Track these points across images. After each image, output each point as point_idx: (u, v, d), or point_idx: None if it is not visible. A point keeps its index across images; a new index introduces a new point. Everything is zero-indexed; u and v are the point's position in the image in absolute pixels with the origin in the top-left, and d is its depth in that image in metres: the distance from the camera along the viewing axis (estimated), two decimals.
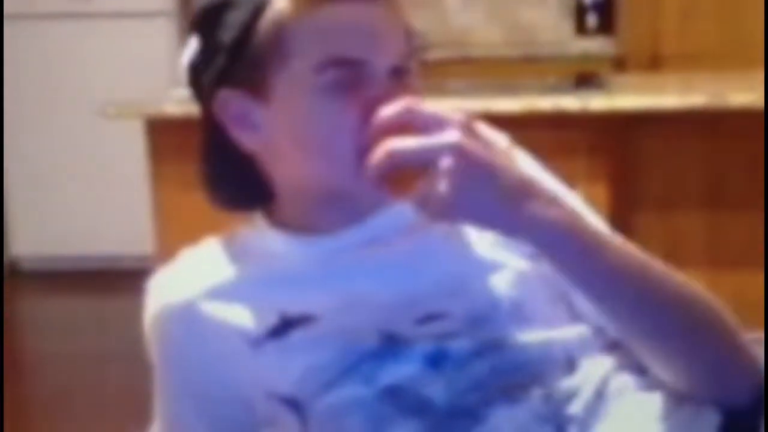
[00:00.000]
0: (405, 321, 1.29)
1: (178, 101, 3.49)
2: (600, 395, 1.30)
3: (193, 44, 1.35)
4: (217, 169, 1.39)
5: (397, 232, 1.34)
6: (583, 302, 1.36)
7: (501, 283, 1.33)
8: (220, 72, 1.32)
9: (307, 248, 1.34)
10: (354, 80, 1.27)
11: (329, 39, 1.27)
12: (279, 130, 1.31)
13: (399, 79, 1.29)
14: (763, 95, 3.24)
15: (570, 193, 1.43)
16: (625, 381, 1.33)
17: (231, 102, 1.32)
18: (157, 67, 5.21)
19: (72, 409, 3.91)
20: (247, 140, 1.33)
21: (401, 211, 1.32)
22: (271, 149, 1.33)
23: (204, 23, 1.33)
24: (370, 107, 1.25)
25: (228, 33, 1.30)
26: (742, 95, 3.33)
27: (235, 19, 1.30)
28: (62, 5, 5.36)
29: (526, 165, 1.43)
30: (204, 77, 1.34)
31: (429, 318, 1.29)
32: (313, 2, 1.27)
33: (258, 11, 1.28)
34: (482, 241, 1.35)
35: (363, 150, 1.24)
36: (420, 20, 5.28)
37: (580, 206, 1.43)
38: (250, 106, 1.31)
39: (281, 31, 1.28)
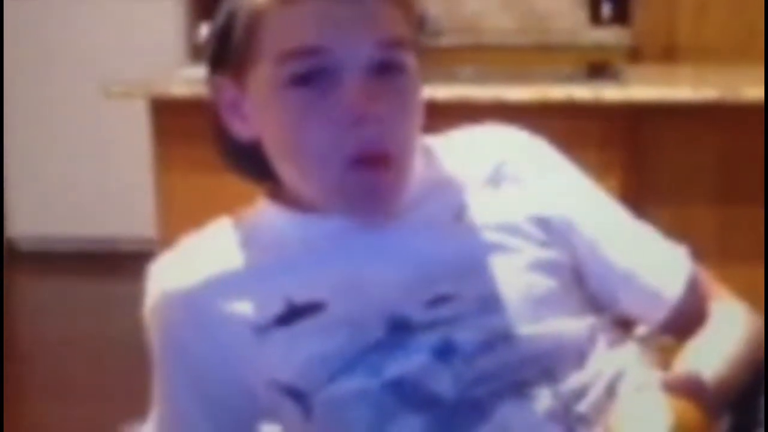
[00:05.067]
0: (414, 303, 1.27)
1: (185, 82, 3.48)
2: (611, 392, 1.28)
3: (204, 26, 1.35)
4: (228, 146, 1.37)
5: (405, 212, 1.32)
6: (602, 290, 1.37)
7: (512, 268, 1.30)
8: (213, 57, 1.33)
9: (314, 229, 1.32)
10: (318, 73, 1.24)
11: (293, 29, 1.25)
12: (258, 125, 1.31)
13: (383, 77, 1.25)
14: None
15: (588, 183, 1.42)
16: (640, 378, 1.31)
17: (222, 89, 1.33)
18: (163, 47, 5.19)
19: (70, 392, 3.91)
20: (238, 129, 1.33)
21: (408, 191, 1.31)
22: (262, 141, 1.32)
23: (211, 6, 1.33)
24: (342, 105, 1.23)
25: (219, 20, 1.31)
26: (756, 89, 3.35)
27: (225, 6, 1.30)
28: None
29: (546, 155, 1.42)
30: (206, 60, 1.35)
31: (439, 300, 1.27)
32: None
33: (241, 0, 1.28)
34: (492, 225, 1.33)
35: (338, 156, 1.24)
36: (432, 6, 5.27)
37: (597, 195, 1.42)
38: (238, 96, 1.31)
39: (254, 22, 1.27)
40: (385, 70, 1.25)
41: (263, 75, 1.27)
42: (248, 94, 1.30)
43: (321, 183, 1.27)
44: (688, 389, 1.20)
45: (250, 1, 1.27)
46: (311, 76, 1.24)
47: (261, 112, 1.29)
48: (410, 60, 1.28)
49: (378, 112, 1.24)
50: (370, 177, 1.26)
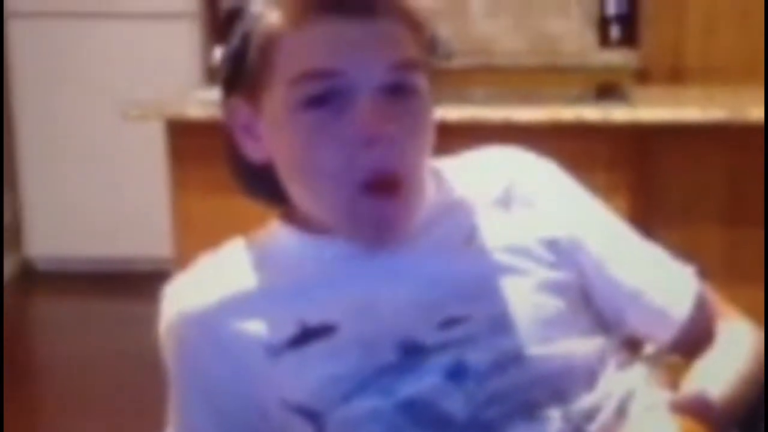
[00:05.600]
0: (426, 326, 1.27)
1: (201, 104, 3.50)
2: (621, 413, 1.29)
3: (218, 49, 1.36)
4: (240, 168, 1.38)
5: (416, 235, 1.33)
6: (609, 309, 1.37)
7: (521, 290, 1.31)
8: (228, 80, 1.33)
9: (326, 251, 1.33)
10: (332, 95, 1.24)
11: (306, 52, 1.25)
12: (271, 147, 1.31)
13: (395, 98, 1.26)
14: None
15: (596, 203, 1.43)
16: (648, 398, 1.32)
17: (236, 110, 1.33)
18: (179, 69, 5.20)
19: (86, 410, 3.90)
20: (252, 150, 1.34)
21: (420, 215, 1.32)
22: (274, 163, 1.33)
23: (225, 29, 1.34)
24: (354, 126, 1.24)
25: (233, 42, 1.31)
26: (764, 109, 3.32)
27: (239, 28, 1.31)
28: (86, 5, 5.35)
29: (553, 176, 1.43)
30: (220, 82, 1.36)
31: (450, 322, 1.27)
32: (300, 16, 1.26)
33: (255, 23, 1.29)
34: (502, 247, 1.33)
35: (350, 178, 1.25)
36: (444, 28, 5.28)
37: (605, 216, 1.43)
38: (251, 118, 1.32)
39: (268, 45, 1.27)
40: (397, 91, 1.26)
41: (277, 97, 1.27)
42: (262, 116, 1.30)
43: (332, 206, 1.28)
44: (695, 409, 1.22)
45: (264, 23, 1.28)
46: (325, 98, 1.24)
47: (274, 134, 1.30)
48: (422, 82, 1.29)
49: (390, 133, 1.24)
50: (381, 205, 1.26)
